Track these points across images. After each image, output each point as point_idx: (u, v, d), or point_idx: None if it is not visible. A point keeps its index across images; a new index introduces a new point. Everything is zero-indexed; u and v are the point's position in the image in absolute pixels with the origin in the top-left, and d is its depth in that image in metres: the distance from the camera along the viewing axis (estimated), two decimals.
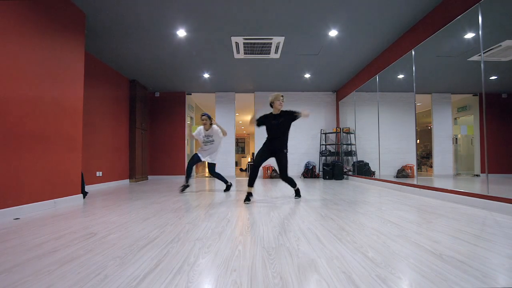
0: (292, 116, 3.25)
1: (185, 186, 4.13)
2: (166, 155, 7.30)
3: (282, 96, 3.32)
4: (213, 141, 4.10)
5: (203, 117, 4.09)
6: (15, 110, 2.45)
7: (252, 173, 3.23)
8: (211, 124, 4.10)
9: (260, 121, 3.37)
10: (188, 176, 4.11)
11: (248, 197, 3.15)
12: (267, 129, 3.35)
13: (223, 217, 2.33)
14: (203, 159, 4.11)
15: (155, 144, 7.31)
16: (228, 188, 4.22)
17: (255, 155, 3.35)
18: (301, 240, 1.63)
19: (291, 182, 3.36)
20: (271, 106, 3.35)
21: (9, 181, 2.38)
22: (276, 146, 3.25)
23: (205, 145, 4.12)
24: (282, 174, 3.28)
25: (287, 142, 3.30)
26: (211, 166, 4.19)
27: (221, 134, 4.08)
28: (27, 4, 2.58)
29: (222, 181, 4.21)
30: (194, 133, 4.23)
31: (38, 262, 1.32)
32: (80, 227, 2.01)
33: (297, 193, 3.44)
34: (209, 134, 4.09)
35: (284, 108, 3.35)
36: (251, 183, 3.24)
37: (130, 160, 6.19)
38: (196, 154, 4.15)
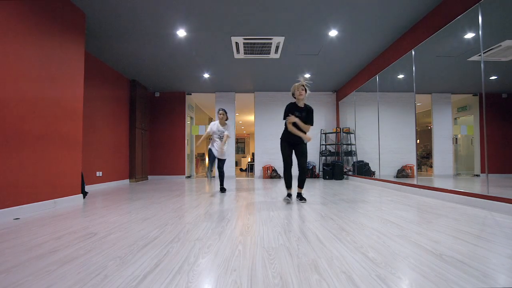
0: (309, 118, 3.15)
1: (210, 175, 4.26)
2: (166, 155, 7.30)
3: (303, 85, 3.12)
4: (222, 137, 4.15)
5: (221, 111, 4.14)
6: (15, 110, 2.45)
7: (287, 174, 3.19)
8: (226, 119, 4.21)
9: (286, 113, 3.19)
10: (211, 166, 4.19)
11: (289, 196, 3.18)
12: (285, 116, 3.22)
13: (223, 217, 2.33)
14: (218, 157, 4.13)
15: (155, 144, 7.31)
16: (222, 190, 4.19)
17: (282, 154, 3.22)
18: (301, 240, 1.63)
19: (304, 179, 3.19)
20: (293, 97, 3.19)
21: (9, 181, 2.38)
22: (295, 136, 3.13)
23: (218, 139, 4.15)
24: (303, 167, 3.15)
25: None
26: (222, 163, 4.21)
27: (227, 132, 4.16)
28: (27, 4, 2.58)
29: (221, 181, 4.20)
30: (208, 130, 4.22)
31: (38, 262, 1.32)
32: (80, 227, 2.01)
33: (302, 197, 3.19)
34: (223, 130, 4.14)
35: (308, 102, 3.25)
36: (288, 186, 3.21)
37: (130, 160, 6.19)
38: (211, 150, 4.14)
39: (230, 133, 4.19)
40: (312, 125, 3.16)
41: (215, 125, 4.16)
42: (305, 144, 3.18)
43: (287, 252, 1.42)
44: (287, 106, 3.19)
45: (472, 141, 3.76)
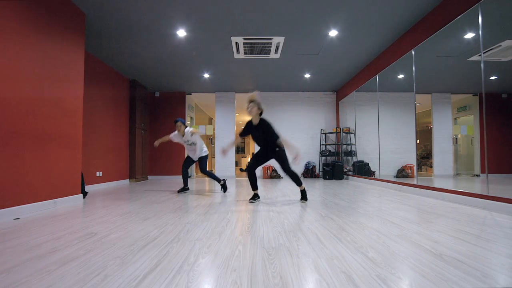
0: (269, 132, 2.97)
1: (185, 189, 4.11)
2: (166, 155, 7.30)
3: (252, 101, 2.93)
4: (194, 143, 4.02)
5: (178, 122, 3.95)
6: (15, 110, 2.45)
7: (250, 177, 3.19)
8: (185, 128, 3.98)
9: (242, 133, 3.14)
10: (186, 179, 4.15)
11: (254, 197, 3.18)
12: (251, 136, 3.18)
13: (223, 217, 2.33)
14: (195, 159, 4.16)
15: None
16: (223, 187, 4.06)
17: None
18: (301, 240, 1.63)
19: (296, 179, 3.14)
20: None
21: (9, 181, 2.38)
22: (267, 150, 3.14)
23: (189, 146, 4.08)
24: (286, 170, 3.11)
25: (276, 142, 3.04)
26: (202, 165, 4.14)
27: (196, 134, 3.98)
28: (27, 4, 2.58)
29: (215, 179, 4.10)
30: (171, 135, 4.11)
31: (38, 262, 1.32)
32: (80, 227, 2.01)
33: (303, 195, 3.16)
34: (186, 139, 4.00)
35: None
36: (254, 187, 3.21)
37: (130, 160, 6.19)
38: (187, 156, 4.21)
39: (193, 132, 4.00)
40: (277, 138, 2.97)
41: (176, 136, 4.06)
42: (277, 151, 3.06)
43: (287, 252, 1.42)
44: (244, 127, 3.11)
45: (472, 141, 3.76)
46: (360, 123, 5.96)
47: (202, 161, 4.13)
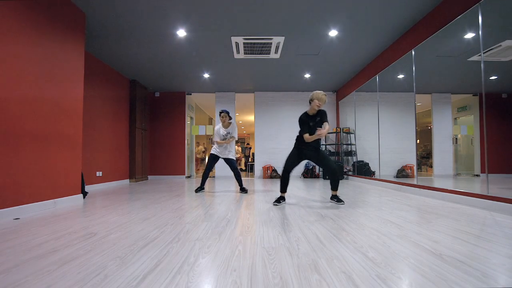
0: (323, 118, 2.93)
1: (201, 189, 4.07)
2: (166, 155, 7.30)
3: (325, 95, 2.93)
4: (232, 136, 4.01)
5: (223, 113, 3.95)
6: (15, 110, 2.45)
7: (284, 179, 3.03)
8: (230, 120, 4.03)
9: (301, 124, 3.01)
10: (205, 179, 4.05)
11: (279, 200, 2.98)
12: (304, 130, 2.99)
13: (223, 217, 2.33)
14: (222, 156, 4.00)
15: (155, 144, 7.32)
16: (243, 190, 4.03)
17: (286, 159, 3.09)
18: (301, 240, 1.63)
19: (337, 178, 2.96)
20: (310, 103, 2.97)
21: (9, 181, 2.38)
22: (311, 146, 2.98)
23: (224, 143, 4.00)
24: (331, 166, 2.92)
25: (320, 140, 3.05)
26: (233, 162, 4.03)
27: (236, 130, 4.04)
28: (27, 4, 2.58)
29: (238, 182, 4.08)
30: (214, 138, 4.06)
31: (38, 262, 1.32)
32: (80, 227, 2.01)
33: (338, 199, 2.99)
34: (228, 131, 4.00)
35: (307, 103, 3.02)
36: (283, 189, 3.03)
37: (130, 160, 6.19)
38: (212, 154, 4.02)
39: (235, 134, 4.03)
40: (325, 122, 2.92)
41: (220, 130, 4.01)
42: (322, 150, 3.07)
43: (287, 252, 1.42)
44: (301, 119, 3.01)
45: (472, 141, 3.76)
46: (360, 123, 5.96)
47: (231, 160, 4.03)
